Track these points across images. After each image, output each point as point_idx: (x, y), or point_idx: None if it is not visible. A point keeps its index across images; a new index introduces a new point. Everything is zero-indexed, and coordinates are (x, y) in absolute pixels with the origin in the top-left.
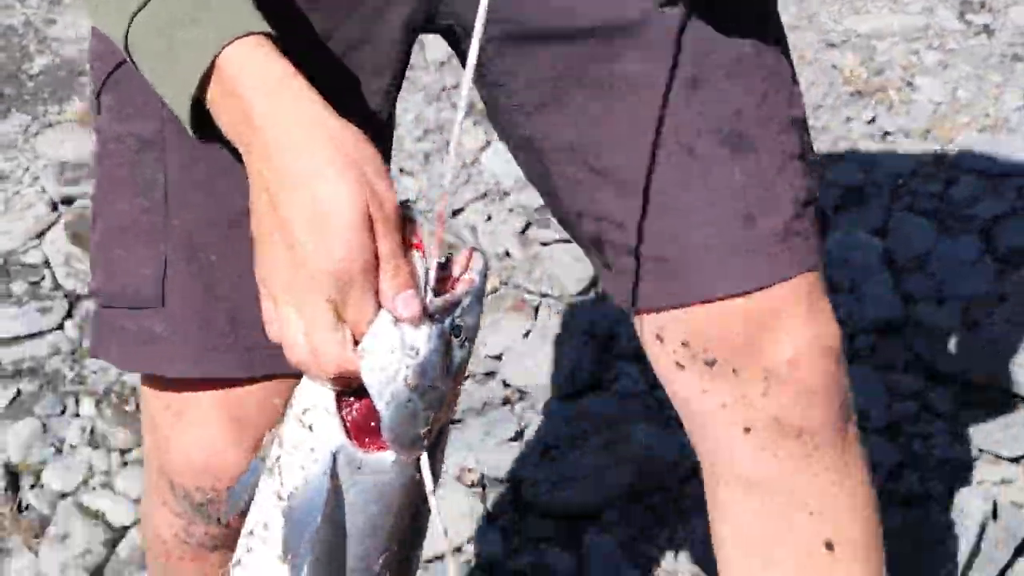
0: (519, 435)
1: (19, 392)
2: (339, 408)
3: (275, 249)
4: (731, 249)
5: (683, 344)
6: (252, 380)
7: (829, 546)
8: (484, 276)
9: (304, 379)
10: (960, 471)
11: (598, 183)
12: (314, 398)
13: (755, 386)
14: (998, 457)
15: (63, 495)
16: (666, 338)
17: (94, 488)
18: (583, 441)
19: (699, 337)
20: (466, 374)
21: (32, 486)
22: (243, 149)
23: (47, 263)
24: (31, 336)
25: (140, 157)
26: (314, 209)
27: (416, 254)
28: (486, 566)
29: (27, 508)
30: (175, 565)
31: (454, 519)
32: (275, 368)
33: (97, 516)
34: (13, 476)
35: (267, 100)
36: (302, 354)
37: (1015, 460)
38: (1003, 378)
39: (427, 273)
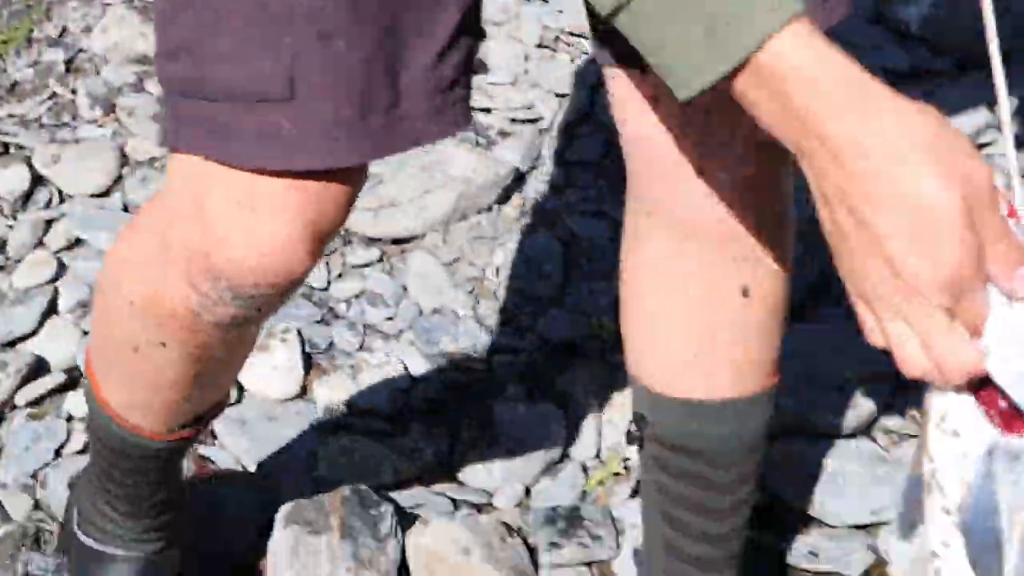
0: None
1: None
2: (978, 403)
3: (872, 266)
4: None
5: None
6: (335, 176)
7: (745, 293)
8: None
9: (933, 388)
10: None
11: None
12: (949, 402)
13: (721, 135)
14: None
15: None
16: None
17: None
18: (403, 167)
19: None
20: None
21: None
22: (800, 154)
23: None
24: None
25: None
26: (914, 221)
27: (1011, 222)
28: (309, 294)
29: None
30: (175, 330)
31: None
32: (407, 145)
33: None
34: None
35: (830, 104)
36: (924, 367)
37: None
38: None
39: None
